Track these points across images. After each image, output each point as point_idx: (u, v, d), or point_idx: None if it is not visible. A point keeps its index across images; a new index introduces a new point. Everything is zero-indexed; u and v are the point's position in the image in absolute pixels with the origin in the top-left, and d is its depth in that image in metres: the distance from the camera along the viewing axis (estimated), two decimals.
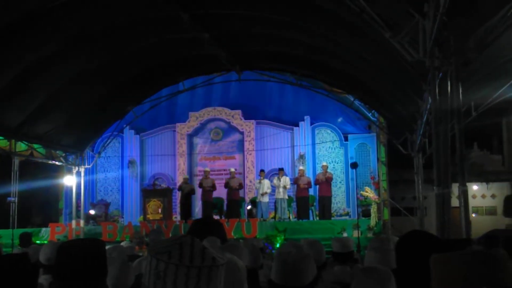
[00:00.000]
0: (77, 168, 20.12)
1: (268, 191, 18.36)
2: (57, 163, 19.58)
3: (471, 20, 7.34)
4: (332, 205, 19.26)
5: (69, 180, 20.26)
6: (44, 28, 12.45)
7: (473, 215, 24.76)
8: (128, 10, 12.89)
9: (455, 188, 7.71)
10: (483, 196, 26.97)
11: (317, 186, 18.64)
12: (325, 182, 18.35)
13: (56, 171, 20.61)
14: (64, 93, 15.59)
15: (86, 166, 20.65)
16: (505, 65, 12.05)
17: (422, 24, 7.31)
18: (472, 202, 24.77)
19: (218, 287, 1.58)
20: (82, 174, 20.40)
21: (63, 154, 19.62)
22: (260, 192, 18.37)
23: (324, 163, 19.14)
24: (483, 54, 8.13)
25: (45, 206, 22.30)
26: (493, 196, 26.80)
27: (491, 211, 26.34)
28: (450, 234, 7.25)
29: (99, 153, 21.18)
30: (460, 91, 7.59)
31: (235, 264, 2.22)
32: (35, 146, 18.02)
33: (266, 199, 18.42)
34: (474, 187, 26.34)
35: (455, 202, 7.82)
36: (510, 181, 25.73)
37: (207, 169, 19.68)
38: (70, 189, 20.53)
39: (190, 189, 19.27)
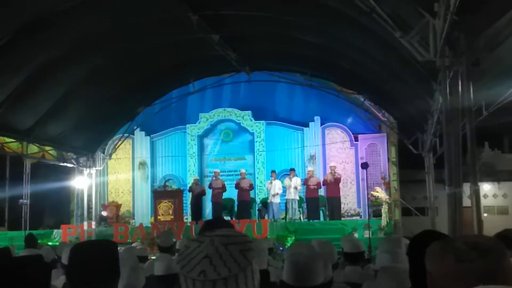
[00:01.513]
0: (88, 170, 20.21)
1: (280, 191, 18.33)
2: (68, 165, 19.69)
3: (482, 19, 7.31)
4: (343, 206, 19.22)
5: (81, 182, 20.35)
6: (54, 31, 12.53)
7: (485, 214, 24.62)
8: (138, 11, 12.95)
9: (466, 188, 7.70)
10: (495, 196, 26.83)
11: (326, 187, 18.60)
12: (334, 182, 18.30)
13: (68, 173, 20.70)
14: (74, 95, 15.69)
15: (97, 168, 20.73)
16: None
17: (433, 23, 7.29)
18: (483, 202, 24.62)
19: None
20: (93, 175, 20.49)
21: (74, 156, 19.72)
22: (272, 193, 18.33)
23: (332, 164, 19.08)
24: (493, 53, 8.10)
25: (57, 208, 22.39)
26: (504, 195, 26.67)
27: (502, 211, 26.21)
28: (461, 234, 7.22)
29: (110, 154, 21.26)
30: (471, 90, 7.56)
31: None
32: (47, 148, 18.12)
33: (277, 199, 18.38)
34: (486, 187, 26.22)
35: (466, 201, 7.80)
36: None
37: (217, 170, 19.69)
38: (81, 191, 20.61)
39: (201, 190, 19.28)
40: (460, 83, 7.44)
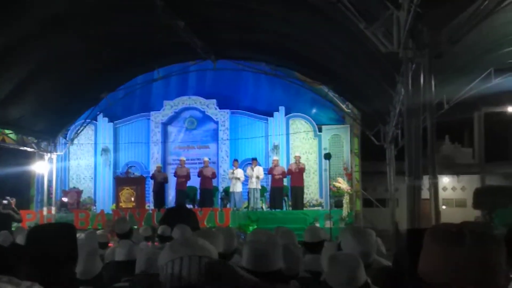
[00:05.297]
0: (49, 154, 19.93)
1: (242, 179, 18.38)
2: (28, 149, 19.36)
3: (445, 13, 7.41)
4: (305, 196, 19.35)
5: (41, 167, 20.06)
6: (15, 12, 12.26)
7: (443, 207, 25.07)
8: None
9: (426, 180, 7.81)
10: (453, 189, 27.34)
11: (290, 177, 18.71)
12: (298, 172, 18.43)
13: (28, 158, 20.34)
14: (36, 78, 15.41)
15: (58, 153, 20.46)
16: (477, 59, 12.22)
17: (397, 15, 7.36)
18: (442, 194, 25.12)
19: None
20: (54, 161, 20.22)
21: (35, 141, 19.41)
22: (233, 181, 18.38)
23: (297, 154, 19.21)
24: (456, 47, 8.22)
25: (16, 193, 22.01)
26: (463, 188, 27.18)
27: (461, 203, 26.72)
28: (420, 225, 7.33)
29: (72, 140, 20.99)
30: (433, 83, 7.67)
31: (208, 250, 2.24)
32: (6, 131, 17.80)
33: (239, 189, 18.42)
34: (445, 180, 26.69)
35: (426, 194, 7.93)
36: (480, 174, 26.11)
37: (183, 158, 19.60)
38: (41, 176, 20.32)
39: (163, 177, 19.21)
40: (422, 76, 7.53)
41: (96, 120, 21.47)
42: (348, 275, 2.95)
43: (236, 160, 19.08)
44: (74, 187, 21.20)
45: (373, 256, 3.86)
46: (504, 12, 8.49)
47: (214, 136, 21.13)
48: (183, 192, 18.84)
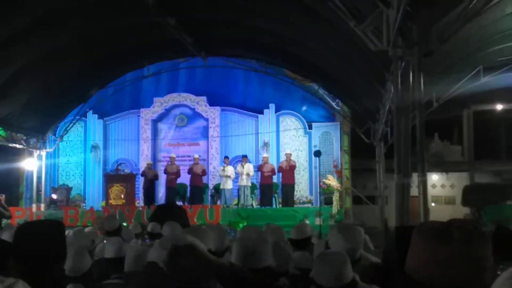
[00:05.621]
0: (38, 151, 19.82)
1: (232, 176, 18.37)
2: (18, 146, 19.26)
3: (434, 11, 7.44)
4: (295, 193, 19.37)
5: (30, 164, 19.96)
6: (6, 9, 12.20)
7: (432, 204, 25.22)
8: None
9: (416, 178, 7.84)
10: (443, 186, 27.49)
11: (280, 174, 18.74)
12: (288, 170, 18.46)
13: (17, 154, 20.25)
14: (26, 74, 15.33)
15: (48, 150, 20.35)
16: (466, 57, 12.29)
17: (386, 13, 7.38)
18: (431, 192, 25.24)
19: None
20: (44, 157, 20.11)
21: (24, 137, 19.30)
22: (224, 179, 18.38)
23: (288, 151, 19.23)
24: (445, 46, 8.26)
25: (5, 190, 21.92)
26: (452, 186, 27.34)
27: (450, 201, 26.87)
28: (409, 223, 7.37)
29: (61, 136, 20.89)
30: (422, 81, 7.70)
31: (197, 247, 2.24)
32: None
33: (229, 186, 18.41)
34: (434, 177, 26.84)
35: (415, 191, 7.96)
36: (469, 172, 26.25)
37: (173, 155, 19.57)
38: (31, 173, 20.23)
39: (154, 174, 19.18)
40: (411, 74, 7.56)
41: (85, 117, 21.40)
42: (335, 273, 3.00)
43: (226, 157, 19.07)
44: (63, 184, 21.14)
45: (359, 252, 3.89)
46: (493, 10, 8.55)
47: (204, 133, 21.12)
48: (173, 189, 18.82)
